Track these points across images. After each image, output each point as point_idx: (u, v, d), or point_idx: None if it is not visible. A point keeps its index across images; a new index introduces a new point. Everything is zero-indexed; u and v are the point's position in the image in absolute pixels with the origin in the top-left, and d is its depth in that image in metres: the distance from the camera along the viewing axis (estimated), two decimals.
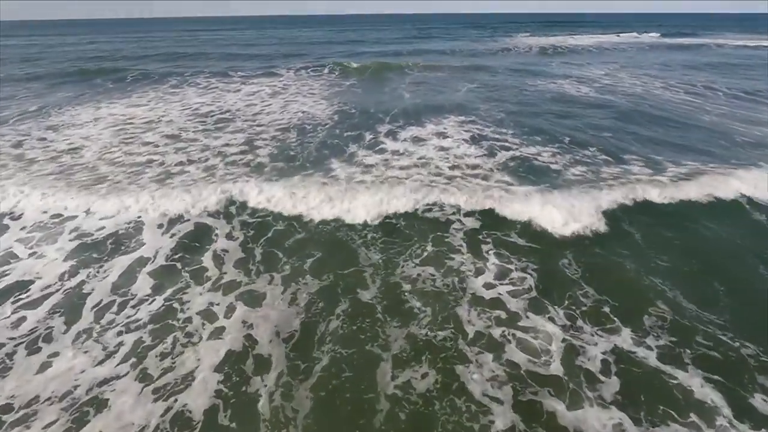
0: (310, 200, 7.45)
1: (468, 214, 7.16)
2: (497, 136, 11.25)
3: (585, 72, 23.60)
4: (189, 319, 4.98)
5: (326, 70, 23.17)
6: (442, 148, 10.39)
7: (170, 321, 4.97)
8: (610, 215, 6.95)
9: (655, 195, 7.51)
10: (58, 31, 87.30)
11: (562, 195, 7.33)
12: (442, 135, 11.52)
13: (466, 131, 11.81)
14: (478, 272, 5.85)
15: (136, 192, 7.75)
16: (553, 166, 8.94)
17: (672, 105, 15.17)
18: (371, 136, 11.59)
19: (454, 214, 7.17)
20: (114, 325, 4.95)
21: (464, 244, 6.46)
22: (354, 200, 7.32)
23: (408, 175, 8.40)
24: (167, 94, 18.67)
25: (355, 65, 23.43)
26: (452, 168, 8.92)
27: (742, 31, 64.85)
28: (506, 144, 10.51)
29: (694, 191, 7.70)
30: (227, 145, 10.76)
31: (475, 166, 8.99)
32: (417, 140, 11.15)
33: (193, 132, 12.21)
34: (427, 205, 7.32)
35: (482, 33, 60.51)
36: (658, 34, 53.48)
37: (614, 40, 46.42)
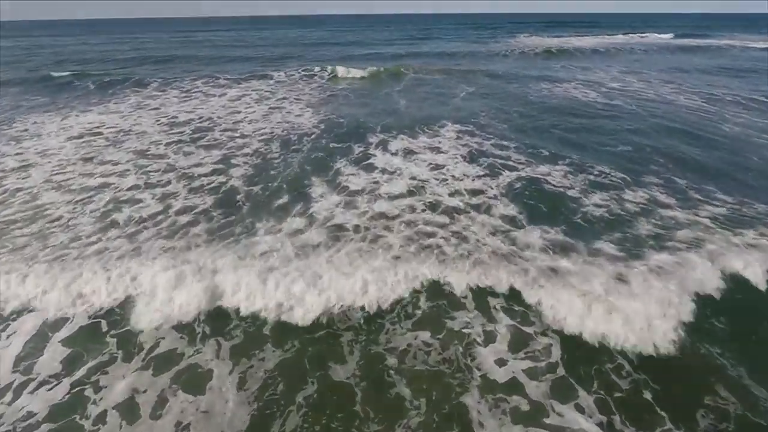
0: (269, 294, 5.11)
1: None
2: (500, 151, 10.07)
3: (591, 76, 22.43)
4: (102, 417, 3.83)
5: (317, 74, 21.87)
6: (438, 166, 9.22)
7: (76, 418, 3.82)
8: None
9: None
10: (52, 31, 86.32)
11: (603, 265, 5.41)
12: (438, 150, 10.35)
13: (464, 145, 10.65)
14: (488, 338, 4.69)
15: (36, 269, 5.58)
16: (569, 192, 7.68)
17: (687, 113, 14.00)
18: (360, 149, 10.43)
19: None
20: None
21: (469, 295, 5.29)
22: (329, 289, 5.13)
23: (399, 212, 7.05)
24: (149, 98, 17.54)
25: (347, 69, 22.19)
26: (452, 194, 7.71)
27: (746, 31, 63.71)
28: (510, 162, 9.34)
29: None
30: (197, 165, 9.56)
31: (477, 192, 7.80)
32: (410, 155, 9.98)
33: (164, 146, 11.04)
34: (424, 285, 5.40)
35: (483, 34, 59.33)
36: (671, 35, 52.03)
37: (623, 41, 45.16)
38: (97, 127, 12.81)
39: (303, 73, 22.23)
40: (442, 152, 10.20)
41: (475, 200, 7.47)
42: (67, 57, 32.72)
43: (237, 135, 12.09)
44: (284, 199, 7.75)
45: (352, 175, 8.91)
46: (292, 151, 10.60)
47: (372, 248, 5.95)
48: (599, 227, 6.51)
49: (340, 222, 6.73)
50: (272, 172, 9.26)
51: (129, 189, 8.05)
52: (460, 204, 7.35)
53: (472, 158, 9.70)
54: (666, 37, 50.85)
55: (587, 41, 43.68)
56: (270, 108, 15.16)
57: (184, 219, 6.97)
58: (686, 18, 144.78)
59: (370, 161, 9.73)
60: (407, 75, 21.12)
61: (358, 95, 17.33)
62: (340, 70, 21.66)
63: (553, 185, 8.00)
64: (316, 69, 22.60)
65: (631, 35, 52.29)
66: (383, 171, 9.11)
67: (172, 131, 12.51)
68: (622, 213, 6.90)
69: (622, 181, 8.16)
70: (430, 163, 9.43)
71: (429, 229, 6.46)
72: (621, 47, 37.17)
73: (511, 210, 7.03)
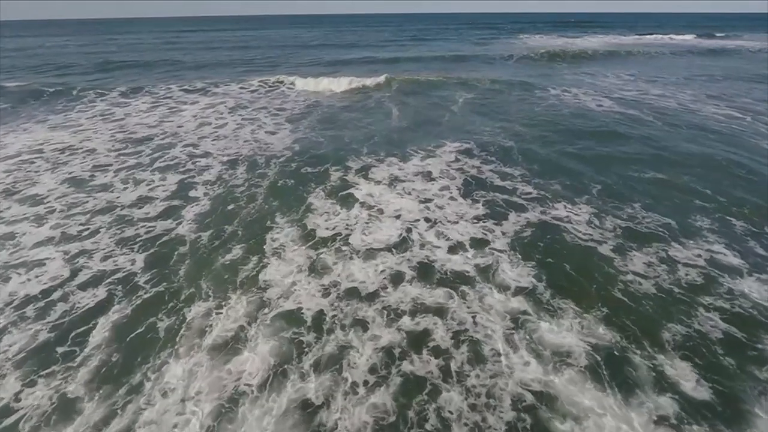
0: None
1: None
2: (503, 181, 8.39)
3: (602, 81, 20.73)
4: None
5: (298, 83, 19.75)
6: (429, 200, 7.55)
7: None
8: None
9: None
10: (37, 32, 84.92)
11: None
12: (430, 177, 8.69)
13: (460, 170, 8.98)
14: None
15: None
16: (600, 249, 5.86)
17: (719, 125, 12.30)
18: (338, 176, 8.75)
19: None
20: None
21: None
22: None
23: (378, 286, 5.25)
24: (115, 106, 15.88)
25: (333, 79, 20.17)
26: (447, 248, 6.04)
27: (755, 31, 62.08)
28: (517, 198, 7.65)
29: None
30: (142, 201, 7.87)
31: (477, 243, 6.11)
32: (397, 184, 8.31)
33: (113, 172, 9.36)
34: None
35: (487, 34, 57.57)
36: (692, 36, 50.06)
37: (632, 42, 43.36)
38: (41, 145, 11.14)
39: (284, 80, 20.42)
40: (435, 180, 8.53)
41: (477, 259, 5.75)
42: (27, 62, 30.79)
43: (200, 154, 10.43)
44: (234, 254, 6.06)
45: (325, 213, 7.24)
46: (259, 176, 8.93)
47: (325, 385, 3.83)
48: (651, 315, 4.66)
49: (292, 308, 4.90)
50: (230, 207, 7.60)
51: (34, 246, 6.34)
52: (458, 265, 5.63)
53: (469, 190, 8.02)
54: (690, 37, 48.83)
55: (595, 42, 41.92)
56: (243, 120, 13.47)
57: (84, 300, 5.18)
58: (690, 17, 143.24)
59: (349, 191, 8.06)
60: (400, 83, 19.36)
61: (343, 108, 15.49)
62: (324, 81, 19.26)
63: (576, 236, 6.27)
64: (296, 78, 20.44)
65: (647, 36, 50.46)
66: (363, 206, 7.44)
67: (127, 150, 10.85)
68: (677, 289, 5.10)
69: (664, 228, 6.45)
70: (421, 197, 7.75)
71: (416, 328, 4.54)
72: (632, 49, 35.40)
73: (526, 277, 5.28)
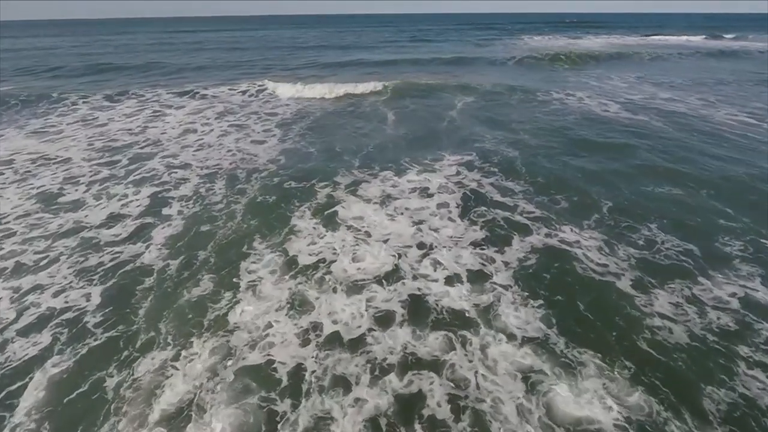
0: None
1: None
2: (504, 197, 7.69)
3: (607, 84, 20.02)
4: None
5: (289, 87, 18.49)
6: (421, 224, 6.85)
7: None
8: None
9: None
10: (34, 32, 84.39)
11: None
12: (426, 192, 7.98)
13: (459, 184, 8.28)
14: None
15: None
16: (618, 284, 5.09)
17: (733, 132, 11.58)
18: (326, 192, 8.05)
19: None
20: None
21: None
22: None
23: (365, 330, 4.57)
24: (98, 110, 15.23)
25: (332, 77, 19.39)
26: (446, 282, 5.33)
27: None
28: (519, 218, 6.94)
29: None
30: (110, 221, 7.16)
31: (476, 276, 5.39)
32: (390, 202, 7.60)
33: (84, 185, 8.67)
34: None
35: (487, 35, 56.81)
36: (701, 37, 49.10)
37: (637, 42, 42.58)
38: (12, 155, 10.45)
39: (277, 84, 19.66)
40: (431, 196, 7.82)
41: (477, 296, 5.03)
42: (18, 63, 30.01)
43: (179, 165, 9.75)
44: (204, 288, 5.36)
45: (309, 236, 6.55)
46: (239, 192, 8.22)
47: None
48: (686, 373, 3.95)
49: (262, 362, 4.19)
50: (206, 229, 6.90)
51: None
52: (456, 303, 4.93)
53: (468, 208, 7.32)
54: (700, 38, 47.85)
55: (598, 42, 41.14)
56: (230, 127, 12.76)
57: (23, 349, 4.43)
58: (693, 18, 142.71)
59: (334, 210, 7.36)
60: (396, 87, 18.60)
61: (336, 115, 14.68)
62: (317, 87, 18.01)
63: (588, 267, 5.56)
64: (288, 83, 19.42)
65: (646, 36, 49.72)
66: (350, 229, 6.74)
67: (103, 160, 10.16)
68: (711, 336, 4.35)
69: (687, 256, 5.74)
70: (415, 218, 7.05)
71: (407, 390, 3.82)
72: (636, 50, 34.64)
73: (534, 322, 4.55)
